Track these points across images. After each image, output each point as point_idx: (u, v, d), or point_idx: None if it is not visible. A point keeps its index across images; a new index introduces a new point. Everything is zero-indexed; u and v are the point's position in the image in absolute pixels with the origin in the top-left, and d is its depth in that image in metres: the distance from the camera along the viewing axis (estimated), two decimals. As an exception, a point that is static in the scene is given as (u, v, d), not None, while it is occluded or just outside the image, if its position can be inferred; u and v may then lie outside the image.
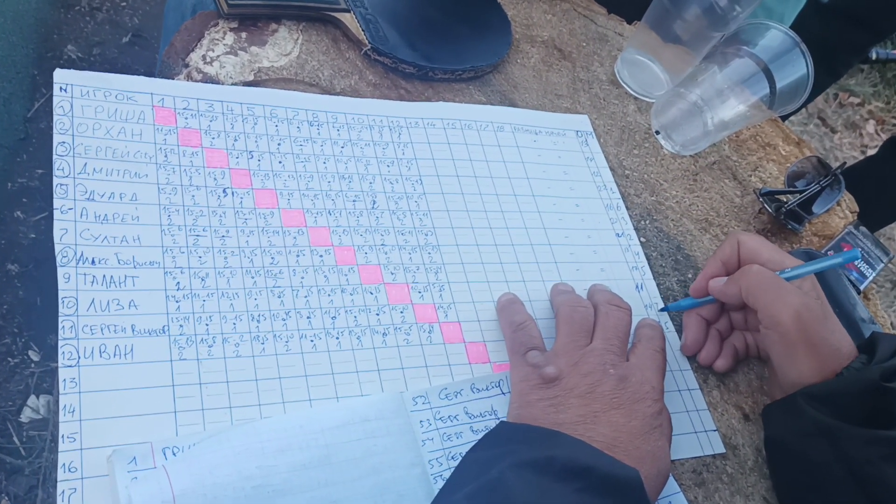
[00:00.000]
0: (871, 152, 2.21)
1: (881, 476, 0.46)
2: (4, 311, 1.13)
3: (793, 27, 1.41)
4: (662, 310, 0.59)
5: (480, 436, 0.46)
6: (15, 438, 1.01)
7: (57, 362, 0.43)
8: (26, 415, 1.03)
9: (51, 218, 0.46)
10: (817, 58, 0.64)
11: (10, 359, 1.08)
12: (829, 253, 0.67)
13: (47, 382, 1.06)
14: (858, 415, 0.48)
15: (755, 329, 0.57)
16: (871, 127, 2.31)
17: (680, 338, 0.58)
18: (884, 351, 0.50)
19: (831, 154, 2.18)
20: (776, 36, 0.65)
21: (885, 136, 2.28)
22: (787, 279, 0.52)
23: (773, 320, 0.50)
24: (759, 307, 0.51)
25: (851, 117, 2.31)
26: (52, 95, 0.50)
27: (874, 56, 2.31)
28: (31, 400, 1.04)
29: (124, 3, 1.58)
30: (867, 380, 0.48)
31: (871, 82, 2.41)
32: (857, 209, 0.76)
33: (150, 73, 0.59)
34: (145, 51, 1.52)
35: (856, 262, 0.66)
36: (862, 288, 0.67)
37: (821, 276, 0.57)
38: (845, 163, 0.73)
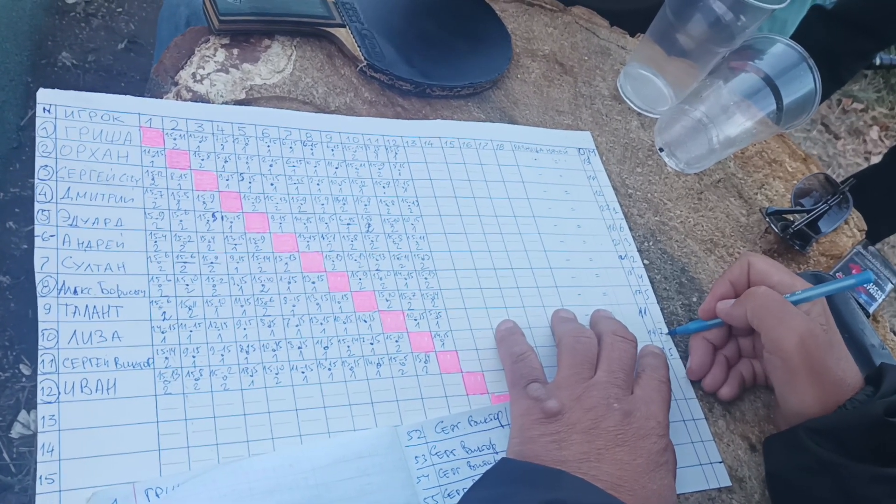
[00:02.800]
0: (874, 159, 2.19)
1: None
2: (-5, 323, 1.11)
3: (797, 34, 1.39)
4: (670, 333, 0.57)
5: (478, 471, 0.45)
6: (5, 455, 0.99)
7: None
8: (17, 430, 1.01)
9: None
10: (822, 65, 0.62)
11: (0, 373, 1.06)
12: (837, 275, 0.65)
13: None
14: (863, 451, 0.46)
15: (762, 356, 0.55)
16: (874, 133, 2.29)
17: (685, 365, 0.56)
18: (890, 384, 0.48)
19: (834, 161, 2.16)
20: (783, 50, 0.63)
21: (888, 143, 2.26)
22: (795, 302, 0.50)
23: (776, 345, 0.49)
24: (762, 330, 0.50)
25: (855, 123, 2.29)
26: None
27: (878, 62, 2.29)
28: (22, 415, 1.02)
29: (120, 10, 1.57)
30: (871, 415, 0.46)
31: (874, 88, 2.39)
32: (866, 227, 0.74)
33: (145, 80, 0.57)
34: (141, 57, 1.50)
35: (865, 285, 0.64)
36: (871, 311, 0.65)
37: (829, 299, 0.55)
38: (854, 180, 0.71)
